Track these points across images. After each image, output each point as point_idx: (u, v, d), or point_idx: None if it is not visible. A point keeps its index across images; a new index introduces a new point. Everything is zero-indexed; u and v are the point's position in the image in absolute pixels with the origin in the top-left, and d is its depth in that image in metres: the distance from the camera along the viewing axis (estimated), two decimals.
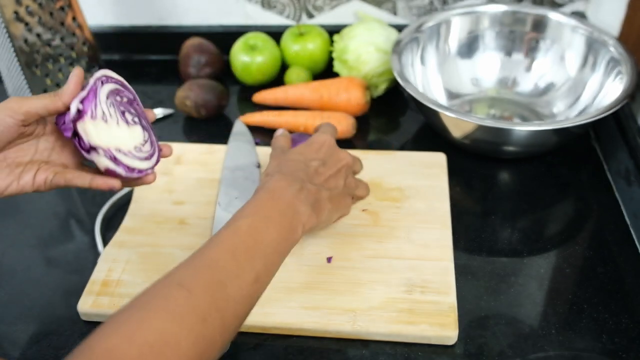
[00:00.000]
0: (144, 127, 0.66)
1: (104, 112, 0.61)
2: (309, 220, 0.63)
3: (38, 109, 0.59)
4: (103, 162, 0.61)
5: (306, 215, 0.63)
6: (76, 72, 0.61)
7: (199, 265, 0.53)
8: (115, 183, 0.62)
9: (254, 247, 0.56)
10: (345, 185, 0.72)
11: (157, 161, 0.66)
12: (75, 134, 0.60)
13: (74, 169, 0.65)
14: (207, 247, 0.55)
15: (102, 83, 0.62)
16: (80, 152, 0.61)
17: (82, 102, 0.60)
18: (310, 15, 1.11)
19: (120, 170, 0.62)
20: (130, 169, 0.62)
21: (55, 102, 0.60)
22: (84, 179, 0.63)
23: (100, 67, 1.03)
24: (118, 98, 0.64)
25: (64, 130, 0.61)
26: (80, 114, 0.60)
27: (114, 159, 0.61)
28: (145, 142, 0.66)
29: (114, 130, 0.62)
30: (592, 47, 0.92)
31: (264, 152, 0.90)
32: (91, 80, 0.61)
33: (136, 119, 0.66)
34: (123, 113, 0.64)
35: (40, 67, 0.96)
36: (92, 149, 0.60)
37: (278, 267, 0.59)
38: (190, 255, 0.54)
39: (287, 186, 0.63)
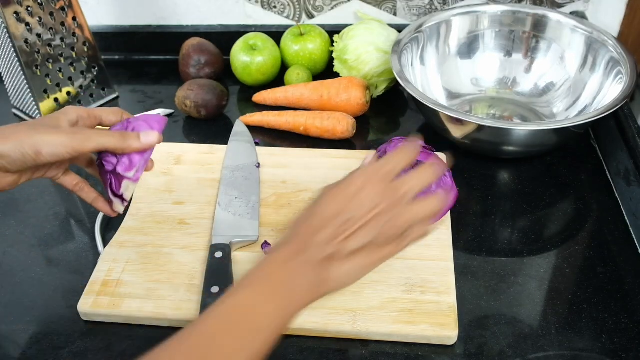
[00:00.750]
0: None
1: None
2: (313, 292, 0.54)
3: (107, 145, 0.61)
4: (119, 207, 0.67)
5: (309, 287, 0.54)
6: (155, 136, 0.64)
7: (190, 345, 0.48)
8: (113, 214, 0.69)
9: (245, 325, 0.50)
10: (387, 231, 0.56)
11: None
12: (114, 176, 0.64)
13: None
14: (199, 324, 0.49)
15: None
16: (106, 188, 0.66)
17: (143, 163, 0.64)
18: (310, 15, 1.11)
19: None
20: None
21: (125, 146, 0.62)
22: (89, 194, 0.68)
23: (100, 67, 1.03)
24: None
25: (106, 163, 0.64)
26: (135, 175, 0.64)
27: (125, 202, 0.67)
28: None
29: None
30: (592, 47, 0.92)
31: (264, 152, 0.90)
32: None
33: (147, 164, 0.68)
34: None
35: (40, 67, 0.96)
36: (119, 197, 0.66)
37: (273, 343, 0.52)
38: (177, 334, 0.49)
39: (289, 259, 0.54)
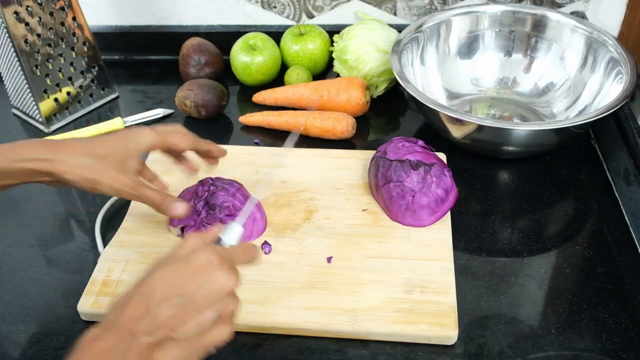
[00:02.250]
0: None
1: None
2: None
3: (148, 203, 0.67)
4: (180, 209, 0.70)
5: None
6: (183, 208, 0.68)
7: None
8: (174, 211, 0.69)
9: None
10: (220, 318, 0.51)
11: None
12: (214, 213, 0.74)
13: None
14: None
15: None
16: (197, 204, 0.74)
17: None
18: (310, 15, 1.11)
19: None
20: None
21: (162, 209, 0.67)
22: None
23: (100, 67, 1.03)
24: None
25: (198, 200, 0.74)
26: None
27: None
28: None
29: None
30: (592, 47, 0.92)
31: (264, 152, 0.90)
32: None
33: None
34: None
35: (40, 67, 0.96)
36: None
37: None
38: None
39: (110, 349, 0.47)
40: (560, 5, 1.06)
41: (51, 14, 0.94)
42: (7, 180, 0.63)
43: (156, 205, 0.67)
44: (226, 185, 0.76)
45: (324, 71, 1.07)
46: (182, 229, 0.76)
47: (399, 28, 0.98)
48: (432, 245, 0.74)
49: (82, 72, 1.02)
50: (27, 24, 0.92)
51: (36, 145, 0.63)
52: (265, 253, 0.74)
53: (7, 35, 0.91)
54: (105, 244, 0.77)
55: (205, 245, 0.53)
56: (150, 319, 0.48)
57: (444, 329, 0.65)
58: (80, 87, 1.02)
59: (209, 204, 0.74)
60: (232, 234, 0.57)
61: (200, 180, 0.77)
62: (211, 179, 0.77)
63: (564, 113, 0.93)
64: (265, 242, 0.75)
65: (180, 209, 0.67)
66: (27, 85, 0.96)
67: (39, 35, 0.94)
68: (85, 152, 0.63)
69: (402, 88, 0.93)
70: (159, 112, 1.01)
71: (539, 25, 0.97)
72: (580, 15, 1.03)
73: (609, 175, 0.86)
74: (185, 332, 0.49)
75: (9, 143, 0.63)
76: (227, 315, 0.52)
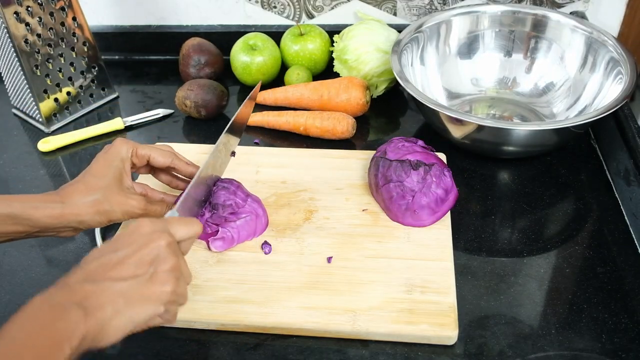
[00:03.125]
0: None
1: None
2: (79, 328, 0.49)
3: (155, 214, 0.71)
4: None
5: (73, 323, 0.49)
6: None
7: None
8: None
9: None
10: (156, 271, 0.54)
11: None
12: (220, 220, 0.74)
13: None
14: None
15: None
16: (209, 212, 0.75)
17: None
18: (310, 16, 1.11)
19: None
20: None
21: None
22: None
23: (100, 67, 1.03)
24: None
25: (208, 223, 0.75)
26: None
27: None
28: None
29: None
30: (592, 47, 0.92)
31: (264, 152, 0.90)
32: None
33: None
34: None
35: (40, 67, 0.96)
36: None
37: None
38: None
39: (47, 297, 0.51)
40: (560, 5, 1.06)
41: (51, 14, 0.94)
42: (17, 227, 0.63)
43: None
44: (226, 184, 0.76)
45: (324, 71, 1.07)
46: None
47: (399, 28, 0.98)
48: (432, 245, 0.74)
49: (82, 72, 1.02)
50: (27, 24, 0.92)
51: (46, 195, 0.65)
52: (265, 253, 0.74)
53: (7, 35, 0.91)
54: None
55: (140, 220, 0.57)
56: (83, 273, 0.53)
57: (444, 329, 0.65)
58: (80, 87, 1.02)
59: (212, 204, 0.74)
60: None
61: None
62: None
63: (564, 113, 0.93)
64: (265, 242, 0.75)
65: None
66: (27, 85, 0.96)
67: (39, 35, 0.94)
68: (87, 190, 0.66)
69: (402, 88, 0.94)
70: (159, 112, 1.01)
71: (539, 26, 0.97)
72: (580, 15, 1.03)
73: (609, 175, 0.86)
74: (117, 277, 0.52)
75: (23, 195, 0.65)
76: (163, 272, 0.54)
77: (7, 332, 0.48)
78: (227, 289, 0.70)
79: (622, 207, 0.81)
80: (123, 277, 0.52)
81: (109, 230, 0.80)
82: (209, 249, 0.74)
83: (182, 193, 0.70)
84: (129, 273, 0.53)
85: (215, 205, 0.74)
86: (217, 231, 0.73)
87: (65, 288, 0.51)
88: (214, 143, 0.92)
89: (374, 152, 0.83)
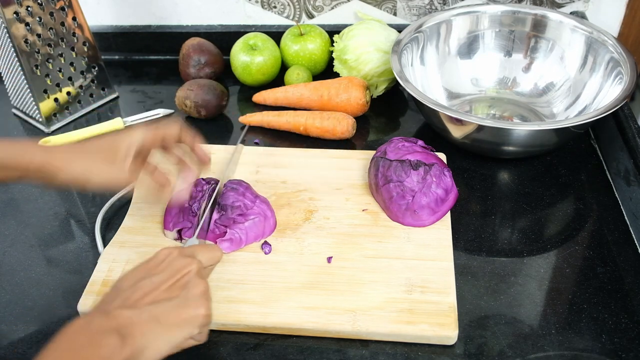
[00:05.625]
0: None
1: None
2: (117, 354, 0.51)
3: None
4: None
5: (111, 350, 0.51)
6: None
7: None
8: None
9: None
10: (189, 296, 0.57)
11: None
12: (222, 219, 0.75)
13: None
14: None
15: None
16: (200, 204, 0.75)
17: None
18: (310, 16, 1.11)
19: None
20: None
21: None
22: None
23: (100, 67, 1.03)
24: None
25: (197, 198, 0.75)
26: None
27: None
28: None
29: None
30: (592, 47, 0.92)
31: (264, 152, 0.90)
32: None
33: None
34: None
35: (40, 67, 0.96)
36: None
37: None
38: None
39: (85, 324, 0.53)
40: (560, 5, 1.06)
41: (51, 14, 0.94)
42: (2, 172, 0.65)
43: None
44: (235, 185, 0.76)
45: (324, 71, 1.07)
46: (180, 232, 0.76)
47: (399, 28, 0.98)
48: (432, 245, 0.74)
49: (82, 72, 1.02)
50: (27, 24, 0.92)
51: (34, 145, 0.67)
52: (265, 253, 0.74)
53: (7, 35, 0.91)
54: (105, 244, 0.77)
55: (168, 248, 0.61)
56: (120, 299, 0.55)
57: (444, 329, 0.65)
58: (80, 87, 1.02)
59: (220, 205, 0.74)
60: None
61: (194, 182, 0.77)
62: (203, 179, 0.77)
63: (564, 113, 0.93)
64: (265, 242, 0.75)
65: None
66: (27, 85, 0.96)
67: (39, 35, 0.94)
68: (76, 150, 0.67)
69: (402, 88, 0.94)
70: (159, 112, 1.01)
71: (539, 25, 0.97)
72: (580, 15, 1.03)
73: (609, 175, 0.86)
74: (152, 302, 0.55)
75: (9, 139, 0.66)
76: (195, 296, 0.57)
77: (47, 357, 0.50)
78: (227, 289, 0.70)
79: (622, 207, 0.81)
80: (159, 303, 0.55)
81: (109, 231, 0.80)
82: None
83: (198, 217, 0.74)
84: (164, 298, 0.56)
85: (223, 207, 0.74)
86: (225, 232, 0.73)
87: (104, 314, 0.54)
88: (214, 143, 0.92)
89: (374, 152, 0.83)
